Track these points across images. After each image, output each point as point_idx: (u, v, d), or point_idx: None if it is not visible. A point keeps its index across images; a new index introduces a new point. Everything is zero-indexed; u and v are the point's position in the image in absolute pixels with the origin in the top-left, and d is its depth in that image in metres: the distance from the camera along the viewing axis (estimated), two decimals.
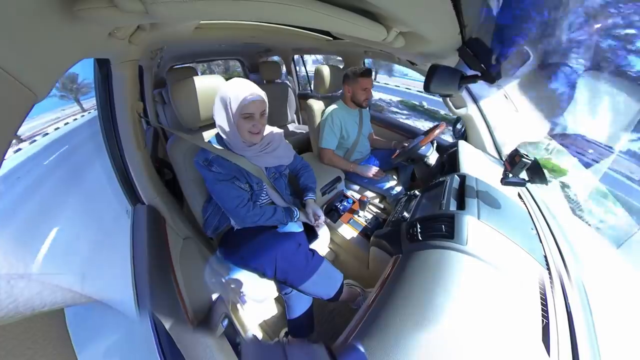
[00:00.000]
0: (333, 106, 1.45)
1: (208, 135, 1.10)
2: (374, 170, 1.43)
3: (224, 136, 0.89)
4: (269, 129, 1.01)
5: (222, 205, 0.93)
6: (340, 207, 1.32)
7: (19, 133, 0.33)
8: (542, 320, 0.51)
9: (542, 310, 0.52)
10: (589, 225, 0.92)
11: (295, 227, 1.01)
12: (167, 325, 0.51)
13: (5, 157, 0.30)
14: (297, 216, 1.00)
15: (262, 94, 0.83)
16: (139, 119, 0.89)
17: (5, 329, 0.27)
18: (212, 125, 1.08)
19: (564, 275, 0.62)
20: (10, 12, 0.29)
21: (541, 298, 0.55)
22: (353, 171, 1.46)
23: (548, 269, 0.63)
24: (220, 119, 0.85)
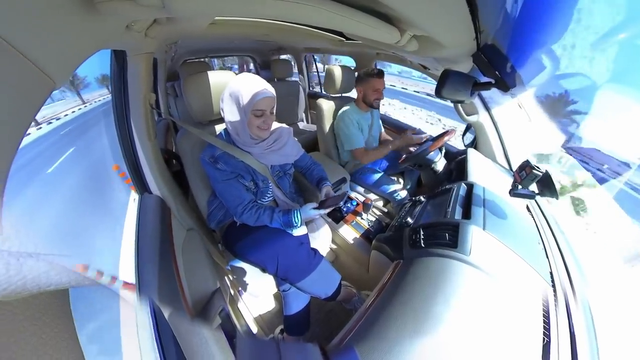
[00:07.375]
0: (346, 107, 1.45)
1: (219, 129, 1.11)
2: (409, 134, 1.43)
3: (231, 131, 0.90)
4: (277, 126, 1.01)
5: (224, 202, 0.95)
6: (344, 209, 1.32)
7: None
8: (543, 339, 0.49)
9: (544, 328, 0.51)
10: (599, 243, 0.89)
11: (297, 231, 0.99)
12: (165, 313, 0.52)
13: (22, 140, 0.31)
14: (297, 226, 0.92)
15: (272, 90, 0.84)
16: (151, 110, 0.91)
17: (11, 304, 0.29)
18: (222, 119, 1.09)
19: (569, 294, 0.60)
20: (35, 2, 0.30)
21: (544, 315, 0.53)
22: (393, 149, 1.44)
23: (553, 286, 0.61)
24: (230, 114, 0.85)
